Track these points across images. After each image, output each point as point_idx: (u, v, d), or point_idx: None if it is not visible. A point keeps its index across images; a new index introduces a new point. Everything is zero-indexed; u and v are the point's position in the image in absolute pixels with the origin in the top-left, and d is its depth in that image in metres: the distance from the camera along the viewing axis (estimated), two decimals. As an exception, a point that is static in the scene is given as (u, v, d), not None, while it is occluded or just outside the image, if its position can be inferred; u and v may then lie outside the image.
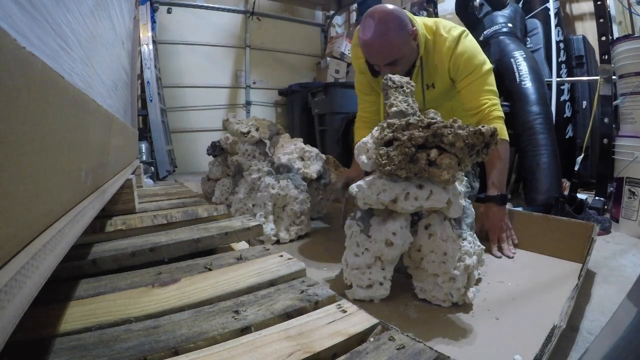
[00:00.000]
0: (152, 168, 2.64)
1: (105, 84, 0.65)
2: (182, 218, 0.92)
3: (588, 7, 2.38)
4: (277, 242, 1.17)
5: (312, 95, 2.91)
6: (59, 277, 0.58)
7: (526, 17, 2.13)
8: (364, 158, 0.76)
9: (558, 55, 2.02)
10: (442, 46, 1.07)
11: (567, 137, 2.10)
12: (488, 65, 1.09)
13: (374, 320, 0.47)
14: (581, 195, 1.58)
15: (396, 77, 0.85)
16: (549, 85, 1.89)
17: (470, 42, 1.08)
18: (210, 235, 0.77)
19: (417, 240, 0.74)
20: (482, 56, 1.08)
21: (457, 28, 1.09)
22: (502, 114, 1.07)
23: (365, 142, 0.77)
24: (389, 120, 0.73)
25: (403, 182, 0.70)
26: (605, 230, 1.33)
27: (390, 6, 1.01)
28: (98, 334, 0.42)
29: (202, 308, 0.49)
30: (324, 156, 1.51)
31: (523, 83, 1.67)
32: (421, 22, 1.09)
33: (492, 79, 1.10)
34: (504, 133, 1.06)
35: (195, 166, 3.34)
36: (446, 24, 1.11)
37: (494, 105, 1.06)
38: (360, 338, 0.44)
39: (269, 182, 1.16)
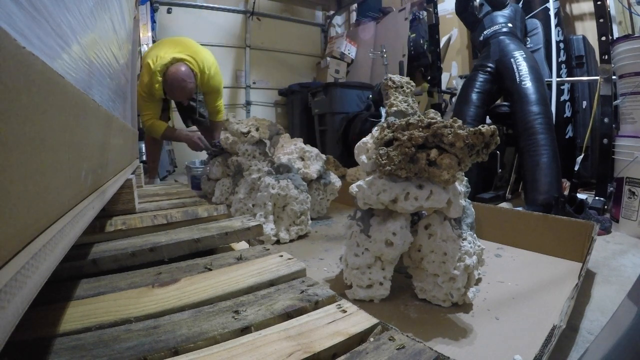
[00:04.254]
0: (152, 168, 2.63)
1: (105, 84, 0.65)
2: (182, 218, 0.92)
3: (588, 7, 2.38)
4: (277, 242, 1.17)
5: (312, 95, 2.91)
6: (59, 277, 0.58)
7: (526, 17, 2.13)
8: (364, 158, 0.76)
9: (558, 55, 2.03)
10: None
11: (567, 137, 2.10)
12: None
13: (374, 320, 0.47)
14: (581, 195, 1.58)
15: (396, 77, 0.86)
16: (549, 85, 1.89)
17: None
18: (210, 235, 0.77)
19: (417, 240, 0.74)
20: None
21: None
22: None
23: (365, 142, 0.77)
24: (389, 120, 0.73)
25: (403, 182, 0.70)
26: (606, 230, 1.33)
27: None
28: (98, 334, 0.42)
29: (202, 308, 0.49)
30: (324, 156, 1.51)
31: (523, 83, 1.67)
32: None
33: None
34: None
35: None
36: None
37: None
38: (360, 338, 0.44)
39: (269, 182, 1.16)
